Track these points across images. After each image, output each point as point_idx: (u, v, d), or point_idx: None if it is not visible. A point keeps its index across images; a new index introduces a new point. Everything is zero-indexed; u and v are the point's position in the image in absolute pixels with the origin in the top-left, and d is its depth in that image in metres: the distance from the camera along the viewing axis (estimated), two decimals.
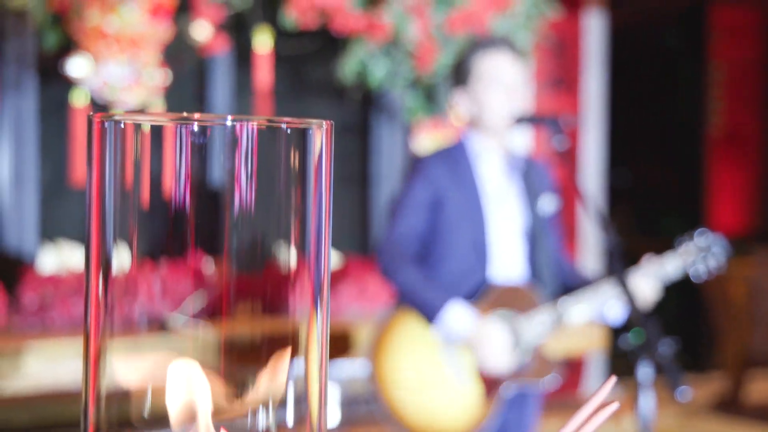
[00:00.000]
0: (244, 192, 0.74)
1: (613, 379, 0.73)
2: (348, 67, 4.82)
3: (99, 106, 4.80)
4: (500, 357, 3.17)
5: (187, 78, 5.32)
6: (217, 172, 0.75)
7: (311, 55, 5.51)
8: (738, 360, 7.10)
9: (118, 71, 4.51)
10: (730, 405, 7.11)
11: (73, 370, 4.09)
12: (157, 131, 0.74)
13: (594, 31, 6.28)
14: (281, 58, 5.41)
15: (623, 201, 8.79)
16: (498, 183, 3.35)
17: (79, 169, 4.87)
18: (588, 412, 0.70)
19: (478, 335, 3.16)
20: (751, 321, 6.99)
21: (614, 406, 0.71)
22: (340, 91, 5.22)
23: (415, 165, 3.32)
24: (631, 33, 8.87)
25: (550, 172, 3.50)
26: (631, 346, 2.82)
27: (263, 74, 4.75)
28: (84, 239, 0.75)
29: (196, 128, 0.74)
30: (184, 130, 0.73)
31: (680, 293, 8.20)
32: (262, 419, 0.79)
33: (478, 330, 3.16)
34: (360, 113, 5.73)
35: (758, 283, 6.98)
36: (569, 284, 3.40)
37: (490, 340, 3.16)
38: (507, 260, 3.32)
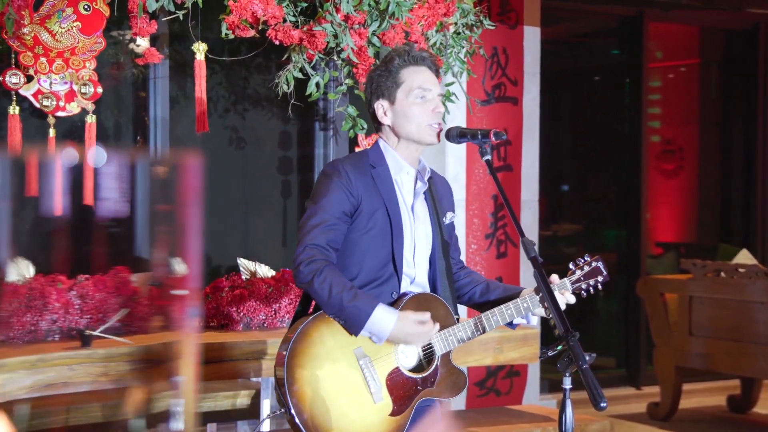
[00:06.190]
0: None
1: None
2: (285, 77, 4.82)
3: (35, 116, 4.78)
4: (423, 333, 3.22)
5: (125, 88, 5.30)
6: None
7: (249, 64, 5.51)
8: (673, 372, 7.18)
9: (53, 82, 4.49)
10: (663, 415, 7.20)
11: None
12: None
13: (530, 43, 6.33)
14: (219, 67, 5.41)
15: (565, 213, 8.87)
16: (412, 197, 3.38)
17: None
18: None
19: (403, 325, 3.19)
20: (686, 333, 7.07)
21: None
22: (278, 100, 5.22)
23: (331, 171, 3.26)
24: (568, 44, 8.98)
25: (449, 187, 3.56)
26: (553, 359, 2.92)
27: (200, 83, 4.73)
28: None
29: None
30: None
31: (619, 305, 8.30)
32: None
33: (402, 320, 3.19)
34: (299, 123, 5.74)
35: (694, 296, 7.06)
36: (470, 294, 3.51)
37: (413, 325, 3.20)
38: (416, 271, 3.35)
